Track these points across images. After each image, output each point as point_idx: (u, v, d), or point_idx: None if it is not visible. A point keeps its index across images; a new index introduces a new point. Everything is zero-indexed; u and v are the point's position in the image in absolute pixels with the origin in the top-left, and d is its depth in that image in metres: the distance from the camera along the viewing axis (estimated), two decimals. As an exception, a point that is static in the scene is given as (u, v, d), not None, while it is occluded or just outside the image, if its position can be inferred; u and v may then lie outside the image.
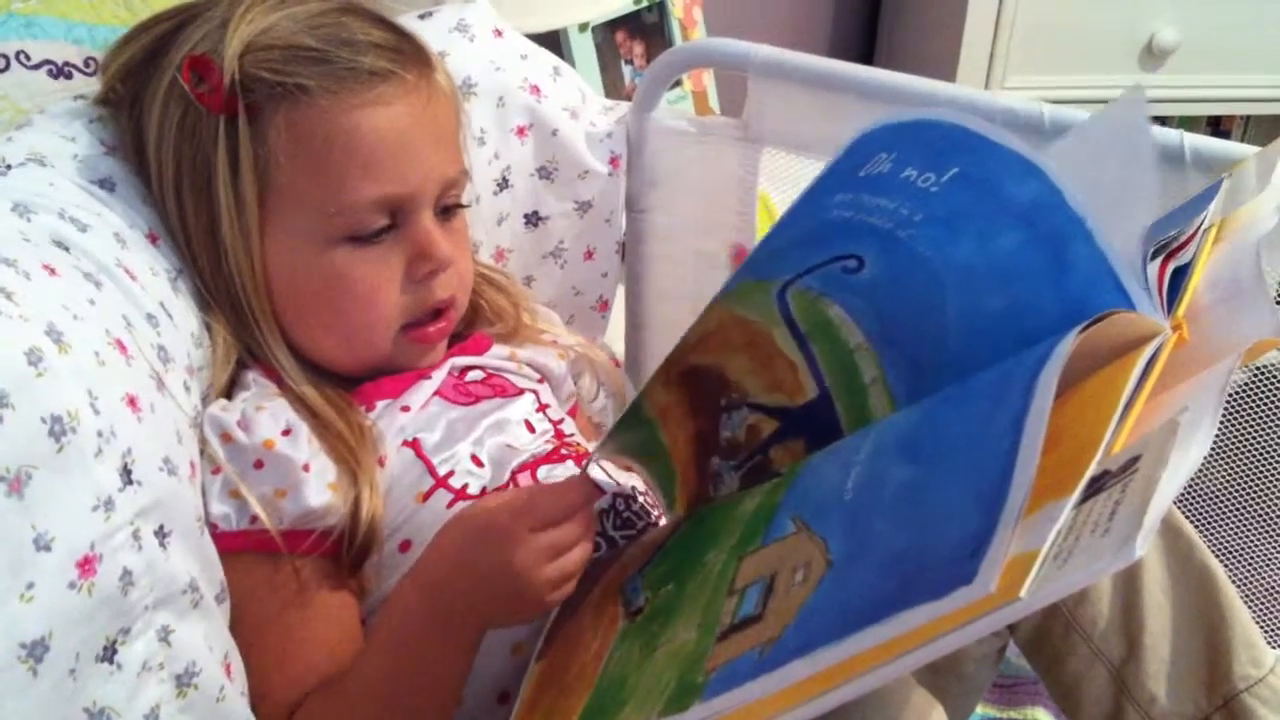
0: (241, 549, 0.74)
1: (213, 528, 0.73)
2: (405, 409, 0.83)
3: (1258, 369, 1.50)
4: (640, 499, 0.87)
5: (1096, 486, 0.49)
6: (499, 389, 0.89)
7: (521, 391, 0.90)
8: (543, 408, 0.90)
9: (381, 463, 0.80)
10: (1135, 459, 0.49)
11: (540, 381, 0.94)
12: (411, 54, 0.82)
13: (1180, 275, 0.64)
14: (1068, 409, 0.52)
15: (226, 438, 0.76)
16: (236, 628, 0.73)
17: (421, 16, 1.02)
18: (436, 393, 0.86)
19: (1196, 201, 0.70)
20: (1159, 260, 0.64)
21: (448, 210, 0.85)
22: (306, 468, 0.76)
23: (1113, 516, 0.46)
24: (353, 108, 0.78)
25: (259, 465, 0.75)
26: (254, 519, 0.74)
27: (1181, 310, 0.60)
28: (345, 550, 0.76)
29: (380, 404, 0.84)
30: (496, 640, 0.75)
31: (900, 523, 0.54)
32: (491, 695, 0.78)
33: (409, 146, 0.80)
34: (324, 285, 0.81)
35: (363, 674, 0.73)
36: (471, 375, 0.90)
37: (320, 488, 0.75)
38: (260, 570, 0.74)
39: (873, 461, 0.61)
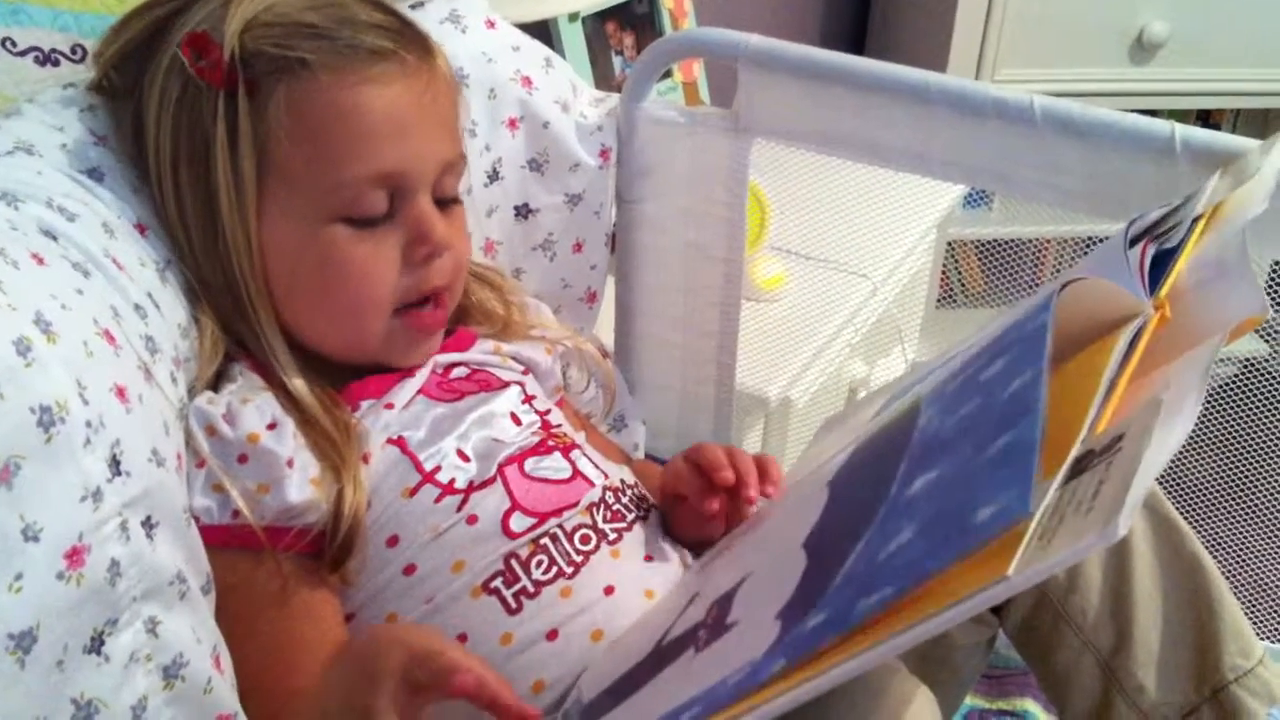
0: (224, 543, 0.74)
1: (195, 521, 0.73)
2: (389, 406, 0.83)
3: (1246, 363, 1.51)
4: (630, 491, 0.87)
5: (1081, 466, 0.49)
6: (484, 383, 0.89)
7: (507, 384, 0.90)
8: (529, 399, 0.90)
9: (366, 460, 0.80)
10: (1119, 438, 0.49)
11: (525, 373, 0.94)
12: (413, 38, 0.83)
13: (1163, 260, 0.64)
14: (1052, 389, 0.52)
15: (211, 431, 0.75)
16: (220, 623, 0.73)
17: (413, 6, 1.01)
18: (420, 391, 0.86)
19: (1187, 202, 0.70)
20: (1140, 244, 0.65)
21: (444, 202, 0.85)
22: (290, 463, 0.75)
23: (1096, 495, 0.46)
24: (353, 84, 0.78)
25: (243, 459, 0.75)
26: (236, 513, 0.74)
27: (1164, 291, 0.60)
28: (327, 546, 0.76)
29: (365, 404, 0.83)
30: (532, 632, 0.76)
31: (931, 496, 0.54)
32: (526, 684, 0.76)
33: (408, 126, 0.80)
34: (319, 264, 0.80)
35: None
36: (456, 372, 0.89)
37: (302, 483, 0.75)
38: (242, 565, 0.74)
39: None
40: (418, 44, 0.83)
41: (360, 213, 0.80)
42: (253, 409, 0.77)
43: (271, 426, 0.77)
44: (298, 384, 0.80)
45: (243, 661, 0.73)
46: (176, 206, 0.79)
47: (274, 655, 0.74)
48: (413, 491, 0.80)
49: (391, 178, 0.80)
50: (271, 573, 0.74)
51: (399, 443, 0.82)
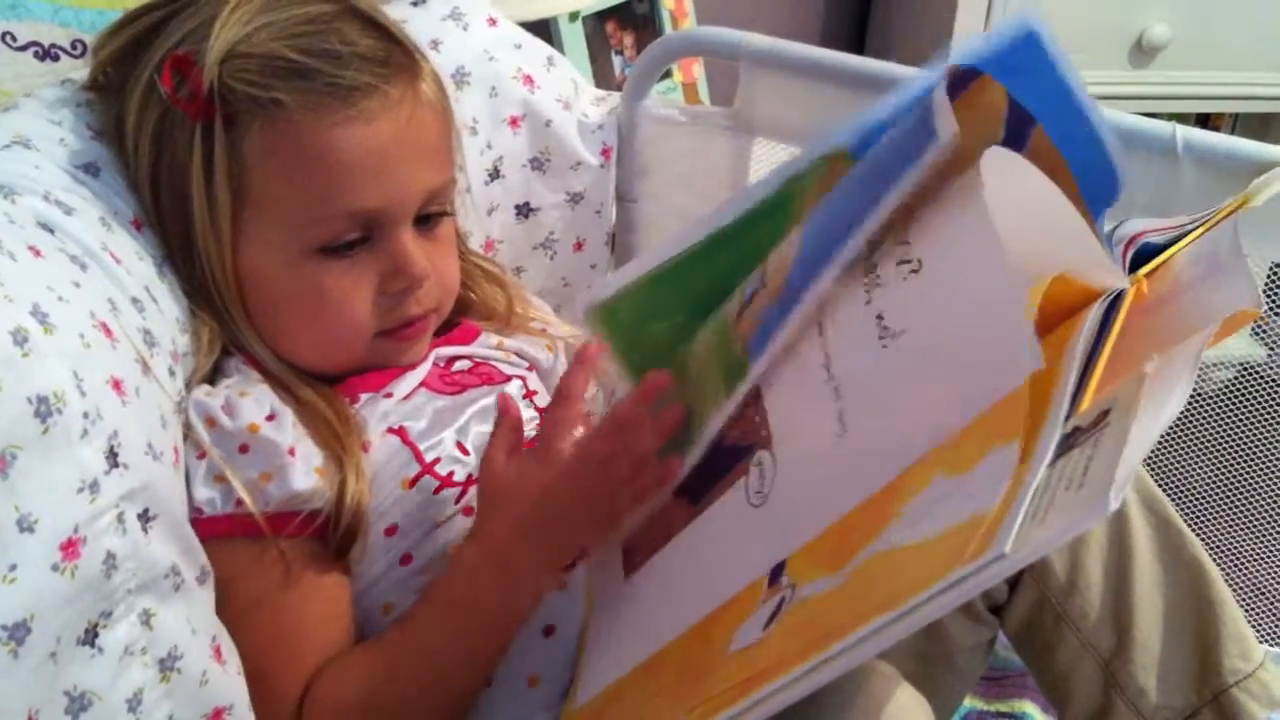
0: (226, 533, 0.73)
1: (197, 513, 0.73)
2: (388, 396, 0.83)
3: (1243, 367, 1.50)
4: None
5: (1069, 443, 0.49)
6: (486, 377, 0.89)
7: (509, 378, 0.89)
8: (530, 394, 0.90)
9: (366, 448, 0.80)
10: (1105, 413, 0.49)
11: (529, 369, 0.93)
12: (398, 64, 0.80)
13: (1145, 255, 0.64)
14: None
15: (211, 422, 0.75)
16: (224, 612, 0.72)
17: (414, 3, 1.01)
18: (422, 383, 0.85)
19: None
20: (1123, 244, 0.65)
21: (431, 218, 0.83)
22: (292, 451, 0.75)
23: (1086, 472, 0.46)
24: (331, 125, 0.76)
25: (244, 449, 0.75)
26: (239, 503, 0.73)
27: (1144, 272, 0.61)
28: (330, 534, 0.76)
29: (364, 396, 0.83)
30: (528, 626, 0.75)
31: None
32: (521, 679, 0.76)
33: (388, 162, 0.78)
34: (296, 294, 0.80)
35: (414, 633, 0.74)
36: (458, 365, 0.89)
37: (306, 471, 0.75)
38: (246, 554, 0.74)
39: None
40: (403, 72, 0.80)
41: (335, 243, 0.79)
42: (251, 401, 0.77)
43: (270, 417, 0.77)
44: (294, 382, 0.80)
45: (250, 648, 0.72)
46: (157, 216, 0.79)
47: (282, 638, 0.74)
48: (412, 482, 0.80)
49: (369, 214, 0.79)
50: (276, 558, 0.74)
51: (399, 432, 0.81)
